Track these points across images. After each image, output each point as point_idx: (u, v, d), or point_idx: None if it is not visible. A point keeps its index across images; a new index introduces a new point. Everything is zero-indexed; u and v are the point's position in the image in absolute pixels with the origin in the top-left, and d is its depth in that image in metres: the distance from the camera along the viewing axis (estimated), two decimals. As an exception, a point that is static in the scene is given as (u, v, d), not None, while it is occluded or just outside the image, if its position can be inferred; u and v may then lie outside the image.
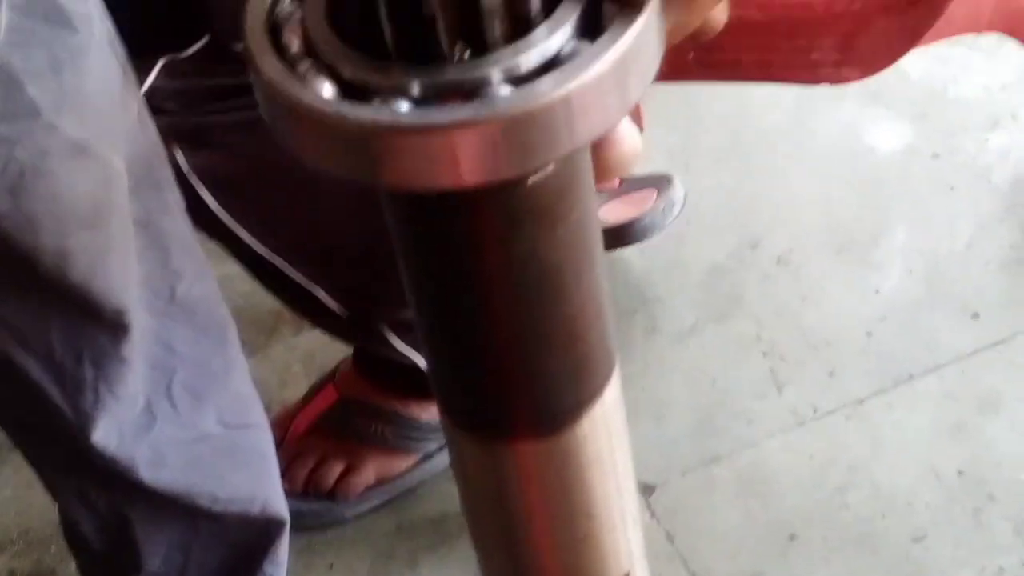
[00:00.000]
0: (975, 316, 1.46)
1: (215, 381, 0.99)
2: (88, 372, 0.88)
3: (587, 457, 0.49)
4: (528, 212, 0.41)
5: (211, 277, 0.97)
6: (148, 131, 0.86)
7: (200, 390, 0.97)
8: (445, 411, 0.48)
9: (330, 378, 1.41)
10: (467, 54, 0.37)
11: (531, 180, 0.40)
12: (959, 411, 1.37)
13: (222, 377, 1.00)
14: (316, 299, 1.23)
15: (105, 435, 0.90)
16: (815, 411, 1.39)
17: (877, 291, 1.51)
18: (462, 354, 0.46)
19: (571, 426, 0.48)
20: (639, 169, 1.56)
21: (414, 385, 1.32)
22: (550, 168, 0.40)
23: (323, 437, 1.38)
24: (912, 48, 0.94)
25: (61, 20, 0.74)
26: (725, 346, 1.47)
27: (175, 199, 0.91)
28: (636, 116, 1.72)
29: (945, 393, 1.39)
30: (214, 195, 1.11)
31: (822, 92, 1.69)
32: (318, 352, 1.51)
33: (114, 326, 0.86)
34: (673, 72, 1.03)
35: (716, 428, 1.39)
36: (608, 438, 0.50)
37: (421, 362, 1.29)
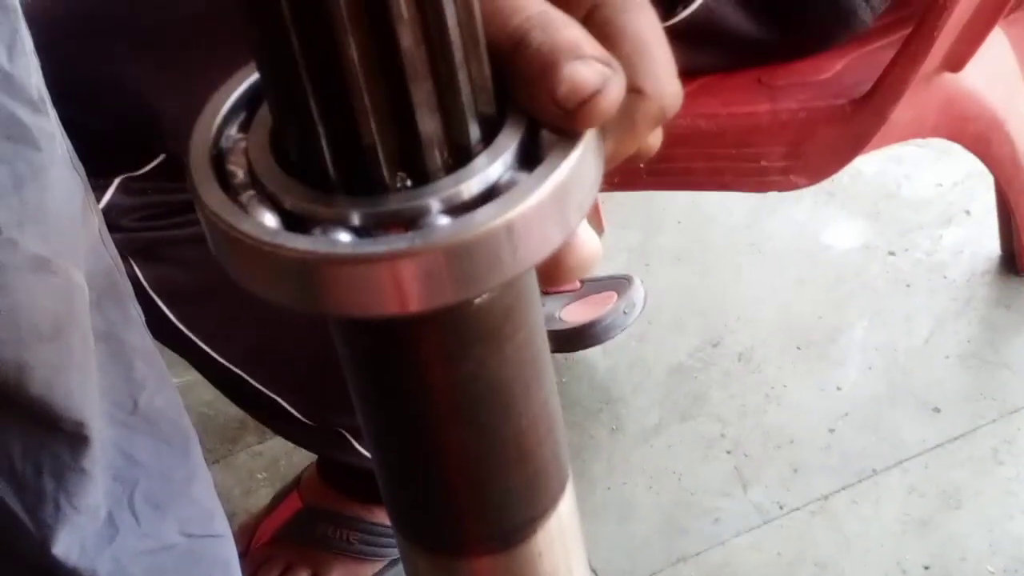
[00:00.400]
0: (936, 411, 1.48)
1: (177, 491, 0.98)
2: (48, 484, 0.87)
3: (543, 571, 0.49)
4: (473, 334, 0.42)
5: (173, 388, 0.97)
6: (108, 246, 0.87)
7: (162, 501, 0.97)
8: (397, 526, 0.48)
9: (294, 486, 1.40)
10: (408, 183, 0.38)
11: (476, 303, 0.41)
12: (923, 506, 1.38)
13: (184, 487, 0.99)
14: (279, 407, 1.23)
15: (67, 547, 0.90)
16: (781, 508, 1.40)
17: (838, 387, 1.52)
18: (411, 473, 0.46)
19: (526, 541, 0.48)
20: (599, 271, 1.57)
21: (378, 491, 1.31)
22: (494, 291, 0.41)
23: (288, 546, 1.36)
24: (858, 154, 0.96)
25: (24, 138, 0.75)
26: (690, 445, 1.48)
27: (136, 311, 0.91)
28: (595, 219, 1.74)
29: (909, 488, 1.40)
30: (172, 308, 1.11)
31: (777, 193, 1.72)
32: (282, 459, 1.51)
33: (74, 438, 0.86)
34: (625, 182, 1.06)
35: (683, 527, 1.39)
36: (564, 550, 0.50)
37: (385, 468, 1.29)
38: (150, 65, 1.00)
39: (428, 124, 0.37)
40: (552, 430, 0.48)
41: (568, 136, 0.39)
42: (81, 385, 0.85)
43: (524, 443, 0.46)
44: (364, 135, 0.36)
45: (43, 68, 0.77)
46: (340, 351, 0.45)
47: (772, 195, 1.74)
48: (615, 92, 0.37)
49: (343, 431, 1.26)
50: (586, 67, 0.36)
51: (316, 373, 1.18)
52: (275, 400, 1.21)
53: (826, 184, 1.69)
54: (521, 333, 0.44)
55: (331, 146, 0.37)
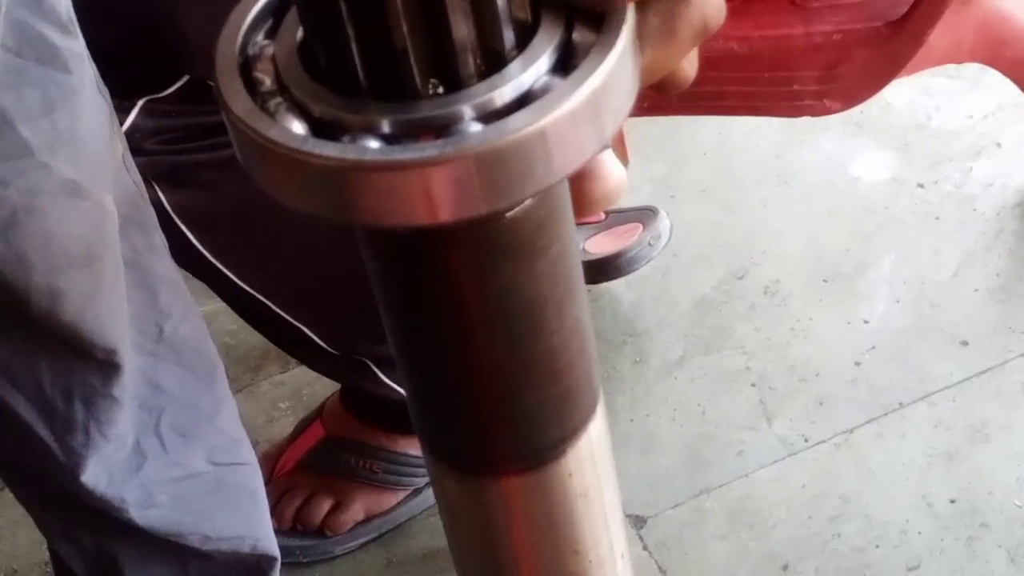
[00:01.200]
0: (964, 344, 1.46)
1: (203, 420, 0.98)
2: (79, 412, 0.87)
3: (573, 492, 0.48)
4: (506, 247, 0.41)
5: (198, 316, 0.96)
6: (132, 171, 0.86)
7: (189, 429, 0.97)
8: (427, 448, 0.47)
9: (317, 414, 1.40)
10: (440, 90, 0.37)
11: (508, 215, 0.40)
12: (950, 440, 1.37)
13: (210, 416, 0.99)
14: (302, 335, 1.22)
15: (95, 475, 0.90)
16: (806, 441, 1.39)
17: (865, 321, 1.51)
18: (442, 391, 0.46)
19: (556, 461, 0.47)
20: (624, 202, 1.56)
21: (401, 420, 1.31)
22: (527, 203, 0.40)
23: (311, 474, 1.37)
24: (894, 78, 0.94)
25: (55, 61, 0.74)
26: (714, 378, 1.47)
27: (160, 239, 0.91)
28: (620, 149, 1.72)
29: (935, 422, 1.39)
30: (196, 234, 1.10)
31: (806, 123, 1.70)
32: (305, 388, 1.50)
33: (105, 365, 0.86)
34: (654, 106, 1.04)
35: (706, 460, 1.39)
36: (594, 472, 0.50)
37: (408, 397, 1.28)
38: None
39: (461, 28, 0.36)
40: (584, 349, 0.47)
41: (603, 42, 0.38)
42: (112, 312, 0.84)
43: (556, 360, 0.45)
44: (396, 38, 0.35)
45: None
46: (368, 265, 0.44)
47: (800, 127, 1.72)
48: None
49: (366, 360, 1.26)
50: None
51: (340, 300, 1.17)
52: (298, 327, 1.21)
53: (855, 115, 1.67)
54: (554, 248, 0.43)
55: (361, 50, 0.36)
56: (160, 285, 0.90)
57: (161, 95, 1.00)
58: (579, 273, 0.46)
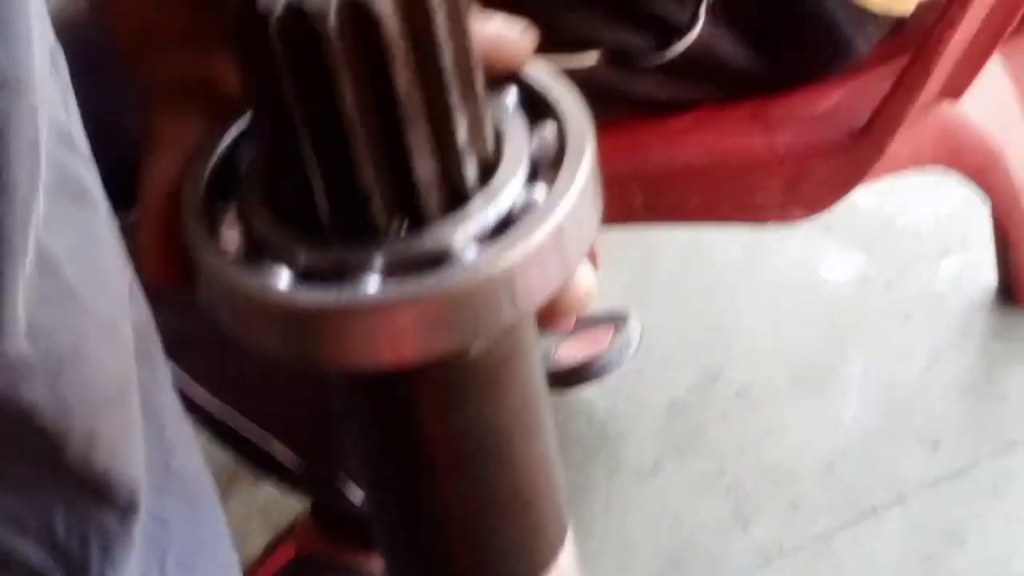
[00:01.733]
0: (936, 444, 1.46)
1: (206, 553, 0.95)
2: (94, 557, 0.84)
3: (543, 627, 0.47)
4: (470, 384, 0.40)
5: (198, 446, 0.94)
6: (139, 300, 0.84)
7: (192, 563, 0.93)
8: (392, 579, 0.46)
9: (287, 533, 1.38)
10: (404, 227, 0.36)
11: (471, 352, 0.39)
12: (925, 542, 1.36)
13: (210, 548, 0.96)
14: (269, 454, 1.21)
15: None
16: (781, 549, 1.37)
17: (837, 422, 1.50)
18: (408, 525, 0.45)
19: (526, 597, 0.46)
20: (594, 307, 1.56)
21: (372, 538, 1.29)
22: (491, 339, 0.39)
23: (282, 594, 1.34)
24: (856, 186, 0.95)
25: (85, 198, 0.73)
26: (688, 483, 1.46)
27: (164, 367, 0.89)
28: (590, 254, 1.72)
29: (911, 524, 1.38)
30: (167, 348, 1.09)
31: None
32: (275, 507, 1.48)
33: (126, 507, 0.83)
34: (621, 216, 1.04)
35: (682, 570, 1.37)
36: (565, 605, 0.48)
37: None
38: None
39: (424, 167, 0.36)
40: (551, 481, 0.46)
41: (566, 172, 0.38)
42: (136, 451, 0.82)
43: (523, 495, 0.44)
44: (362, 180, 0.35)
45: None
46: (335, 401, 0.43)
47: (768, 228, 1.73)
48: None
49: (337, 476, 1.24)
50: None
51: (310, 419, 1.16)
52: (267, 447, 1.19)
53: (822, 216, 1.68)
54: (519, 381, 0.42)
55: (326, 192, 0.36)
56: (166, 417, 0.88)
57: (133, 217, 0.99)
58: (545, 404, 0.45)
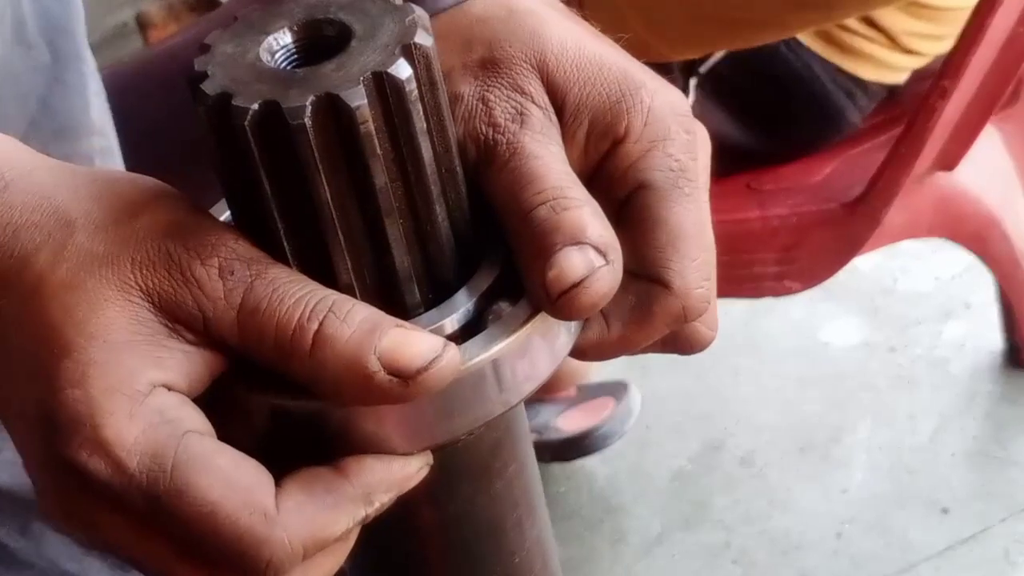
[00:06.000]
0: (945, 511, 1.44)
1: None
2: None
3: None
4: (461, 472, 0.40)
5: None
6: None
7: None
8: None
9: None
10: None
11: (461, 441, 0.39)
12: (937, 612, 1.34)
13: None
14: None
15: None
16: (790, 620, 1.35)
17: (844, 490, 1.48)
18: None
19: None
20: (594, 376, 1.55)
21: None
22: (481, 428, 0.39)
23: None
24: (852, 257, 0.95)
25: None
26: (695, 554, 1.44)
27: None
28: (591, 322, 1.71)
29: (921, 594, 1.36)
30: None
31: (774, 290, 1.71)
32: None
33: None
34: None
35: (690, 644, 1.35)
36: None
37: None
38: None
39: (405, 260, 0.35)
40: (547, 566, 0.45)
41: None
42: None
43: (520, 576, 0.43)
44: (340, 274, 0.35)
45: None
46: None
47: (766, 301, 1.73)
48: (602, 286, 0.34)
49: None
50: (579, 254, 0.34)
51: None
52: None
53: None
54: (511, 468, 0.42)
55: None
56: None
57: None
58: (538, 491, 0.44)
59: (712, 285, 0.38)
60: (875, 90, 1.12)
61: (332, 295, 0.33)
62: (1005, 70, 0.97)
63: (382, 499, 0.34)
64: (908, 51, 1.18)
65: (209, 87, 0.33)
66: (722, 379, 1.65)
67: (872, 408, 1.58)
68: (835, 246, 0.93)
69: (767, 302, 1.72)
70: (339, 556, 0.35)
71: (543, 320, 0.36)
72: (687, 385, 1.64)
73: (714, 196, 1.01)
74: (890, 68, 1.20)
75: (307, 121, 0.32)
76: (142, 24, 2.23)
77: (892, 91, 1.14)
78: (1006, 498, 1.44)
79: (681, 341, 0.40)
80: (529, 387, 0.37)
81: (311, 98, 0.32)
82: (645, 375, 1.62)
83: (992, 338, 1.62)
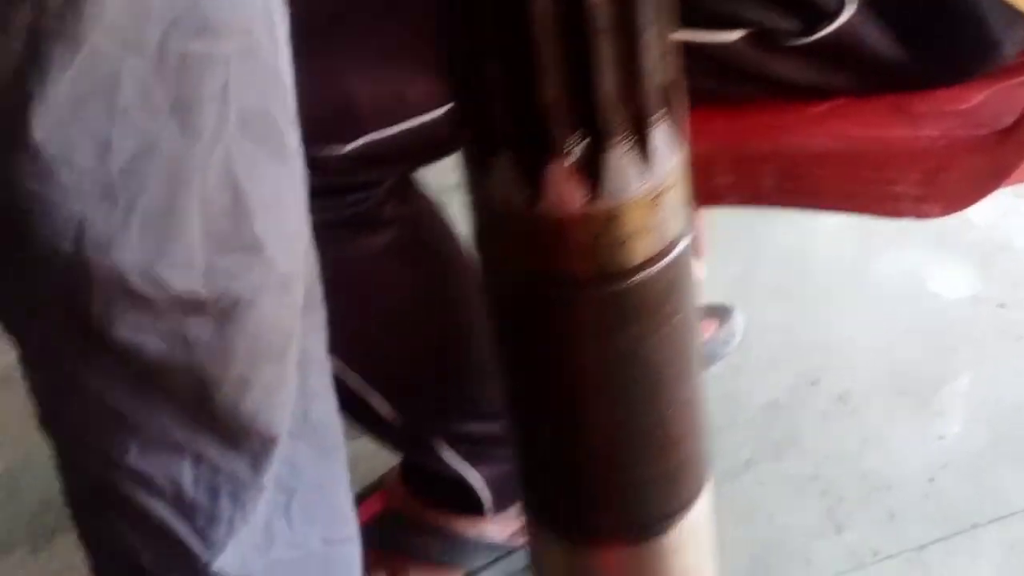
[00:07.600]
0: (1041, 469, 1.42)
1: (327, 499, 0.95)
2: (225, 506, 0.83)
3: (674, 569, 0.47)
4: (633, 309, 0.40)
5: (333, 394, 0.93)
6: (311, 254, 0.83)
7: (313, 509, 0.93)
8: (530, 508, 0.46)
9: (375, 488, 1.38)
10: (584, 142, 0.36)
11: (636, 277, 0.39)
12: (1023, 565, 1.33)
13: (332, 494, 0.96)
14: (368, 405, 1.21)
15: (230, 561, 0.86)
16: (875, 555, 1.35)
17: (940, 437, 1.47)
18: (552, 452, 0.44)
19: (661, 535, 0.46)
20: (698, 298, 1.54)
21: (461, 501, 1.29)
22: (655, 268, 0.39)
23: (365, 548, 1.34)
24: (997, 187, 0.93)
25: (283, 153, 0.71)
26: (782, 483, 1.44)
27: (321, 317, 0.87)
28: (696, 244, 1.71)
29: (1009, 545, 1.35)
30: None
31: (887, 234, 1.68)
32: (362, 462, 1.48)
33: (261, 456, 0.83)
34: (747, 197, 1.03)
35: (772, 569, 1.35)
36: (696, 553, 0.48)
37: (472, 478, 1.27)
38: (340, 53, 0.95)
39: (609, 84, 0.35)
40: (697, 423, 0.45)
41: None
42: (285, 403, 0.82)
43: (670, 431, 0.44)
44: (543, 91, 0.35)
45: None
46: (492, 323, 0.43)
47: (880, 237, 1.70)
48: None
49: (431, 437, 1.24)
50: None
51: (416, 374, 1.16)
52: (367, 397, 1.19)
53: (936, 229, 1.65)
54: (679, 316, 0.42)
55: (507, 104, 0.36)
56: (312, 367, 0.87)
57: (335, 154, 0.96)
58: (698, 350, 0.45)
59: None
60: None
61: None
62: None
63: None
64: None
65: None
66: (825, 316, 1.64)
67: (976, 362, 1.56)
68: (982, 173, 0.91)
69: (878, 245, 1.70)
70: None
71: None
72: (789, 318, 1.64)
73: (861, 111, 0.99)
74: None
75: None
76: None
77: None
78: (1107, 462, 1.42)
79: None
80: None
81: None
82: (748, 303, 1.61)
83: (1105, 301, 1.59)
